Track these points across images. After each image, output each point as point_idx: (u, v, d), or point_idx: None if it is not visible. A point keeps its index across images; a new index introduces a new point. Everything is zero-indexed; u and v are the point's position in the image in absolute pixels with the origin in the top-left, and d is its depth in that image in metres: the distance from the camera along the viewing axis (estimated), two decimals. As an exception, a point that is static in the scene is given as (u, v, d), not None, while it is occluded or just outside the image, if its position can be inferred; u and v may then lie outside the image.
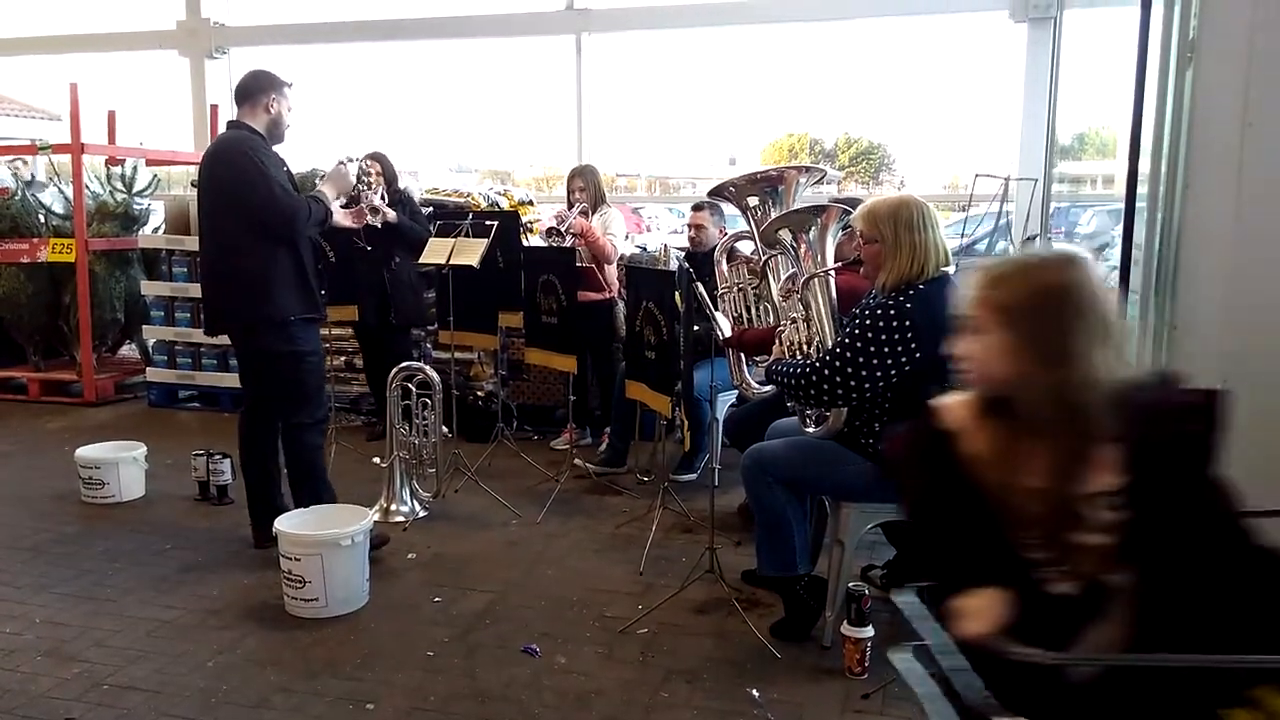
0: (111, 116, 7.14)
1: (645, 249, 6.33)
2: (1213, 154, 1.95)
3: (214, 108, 7.58)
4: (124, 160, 7.09)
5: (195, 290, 6.35)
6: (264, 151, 3.60)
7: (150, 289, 6.59)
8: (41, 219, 6.89)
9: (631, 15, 7.32)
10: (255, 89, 3.70)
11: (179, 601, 3.40)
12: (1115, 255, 2.64)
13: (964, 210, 8.49)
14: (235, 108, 3.78)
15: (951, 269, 2.93)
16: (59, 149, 6.63)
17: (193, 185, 6.81)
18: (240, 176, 3.54)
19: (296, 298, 3.65)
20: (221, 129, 4.46)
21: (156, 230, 6.98)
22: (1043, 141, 5.79)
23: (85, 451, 4.53)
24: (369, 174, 4.61)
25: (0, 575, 3.62)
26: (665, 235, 8.58)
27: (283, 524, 3.35)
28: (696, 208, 4.96)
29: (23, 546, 3.92)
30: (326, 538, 3.27)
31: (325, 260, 4.93)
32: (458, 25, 7.66)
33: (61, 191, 6.98)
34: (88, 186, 6.74)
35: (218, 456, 4.50)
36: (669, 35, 8.99)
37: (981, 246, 7.16)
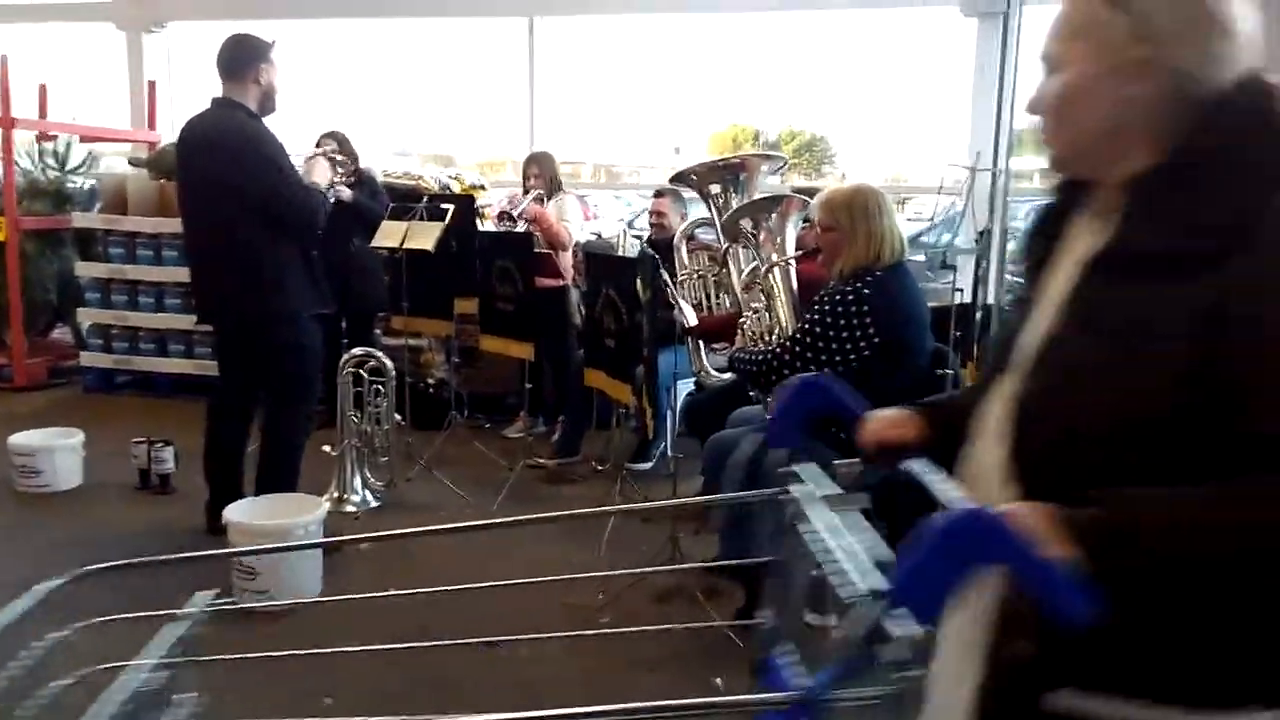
0: (43, 90, 6.87)
1: (601, 235, 6.30)
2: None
3: (152, 84, 7.34)
4: (56, 136, 6.83)
5: (133, 271, 6.16)
6: (269, 140, 3.45)
7: (85, 270, 6.36)
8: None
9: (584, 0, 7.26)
10: (242, 59, 3.49)
11: (125, 593, 3.28)
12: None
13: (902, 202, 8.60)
14: (222, 81, 3.54)
15: (907, 257, 2.98)
16: (-13, 123, 6.36)
17: (132, 164, 6.65)
18: (252, 172, 3.38)
19: (307, 292, 3.56)
20: (181, 104, 4.24)
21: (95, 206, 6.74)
22: (990, 136, 5.88)
23: (19, 438, 4.36)
24: (332, 150, 4.42)
25: (-70, 567, 3.47)
26: (611, 223, 8.52)
27: (234, 514, 3.26)
28: (658, 194, 4.95)
29: (-47, 537, 3.77)
30: (279, 528, 3.19)
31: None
32: (408, 4, 7.52)
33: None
34: (17, 163, 6.48)
35: (160, 444, 4.37)
36: (617, 22, 8.95)
37: (928, 239, 7.27)
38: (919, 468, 1.16)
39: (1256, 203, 0.99)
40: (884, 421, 1.33)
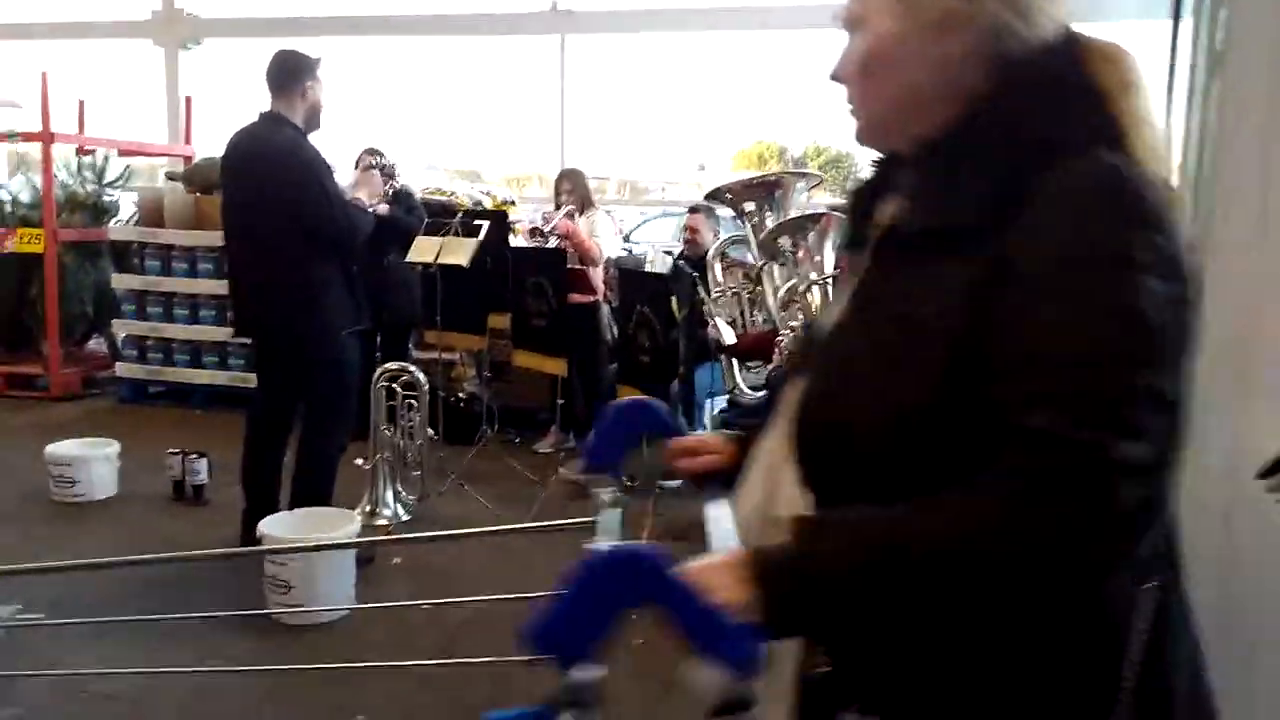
0: (82, 105, 6.97)
1: (631, 251, 6.30)
2: (1239, 166, 1.94)
3: (188, 99, 7.43)
4: (94, 150, 6.93)
5: (168, 284, 6.22)
6: (315, 157, 3.48)
7: (121, 282, 6.43)
8: (8, 209, 6.71)
9: (614, 17, 7.30)
10: (291, 74, 3.50)
11: (158, 605, 3.29)
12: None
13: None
14: (270, 95, 3.54)
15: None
16: (27, 137, 6.45)
17: (169, 178, 6.72)
18: (301, 189, 3.41)
19: (347, 309, 3.58)
20: (231, 118, 4.15)
21: (129, 220, 6.82)
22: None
23: (56, 448, 4.39)
24: (383, 166, 4.48)
25: (-32, 576, 3.49)
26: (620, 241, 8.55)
27: (268, 527, 3.26)
28: (692, 210, 4.94)
29: (-10, 546, 3.79)
30: (313, 542, 3.19)
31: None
32: (440, 23, 7.57)
33: (30, 181, 6.80)
34: (56, 176, 6.57)
35: (194, 456, 4.38)
36: (645, 39, 8.98)
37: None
38: (713, 504, 1.08)
39: (1038, 172, 0.86)
40: (694, 446, 1.26)
